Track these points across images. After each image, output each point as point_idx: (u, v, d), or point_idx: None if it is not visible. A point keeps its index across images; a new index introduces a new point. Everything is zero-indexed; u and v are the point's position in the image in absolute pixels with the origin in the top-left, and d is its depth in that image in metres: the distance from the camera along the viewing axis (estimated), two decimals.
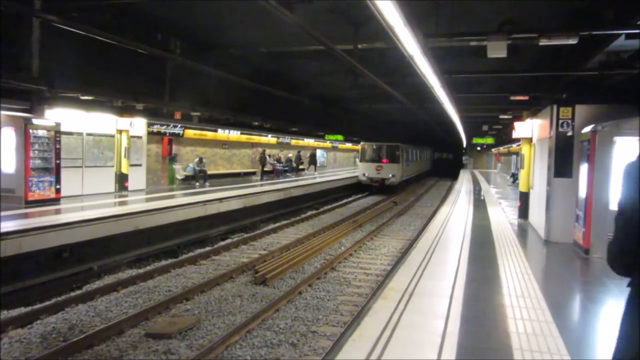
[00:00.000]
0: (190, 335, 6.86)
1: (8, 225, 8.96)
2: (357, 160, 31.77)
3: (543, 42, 7.45)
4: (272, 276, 9.57)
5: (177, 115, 17.65)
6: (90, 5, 9.38)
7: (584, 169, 9.23)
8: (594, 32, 7.63)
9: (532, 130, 13.67)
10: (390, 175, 27.75)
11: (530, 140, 13.91)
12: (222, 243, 13.15)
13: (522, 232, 11.95)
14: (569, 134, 9.93)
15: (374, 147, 29.32)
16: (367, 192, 28.04)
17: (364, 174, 28.30)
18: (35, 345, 6.47)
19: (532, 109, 14.00)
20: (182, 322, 7.23)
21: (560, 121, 9.95)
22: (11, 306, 7.88)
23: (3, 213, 10.40)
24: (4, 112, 11.82)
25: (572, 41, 7.41)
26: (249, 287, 9.18)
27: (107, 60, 10.83)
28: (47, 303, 8.05)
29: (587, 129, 9.05)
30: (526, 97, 13.91)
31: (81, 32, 8.72)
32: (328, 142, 38.77)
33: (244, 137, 25.74)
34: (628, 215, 1.97)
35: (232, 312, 7.83)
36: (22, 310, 7.72)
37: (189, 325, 7.14)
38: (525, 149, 14.23)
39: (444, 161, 62.52)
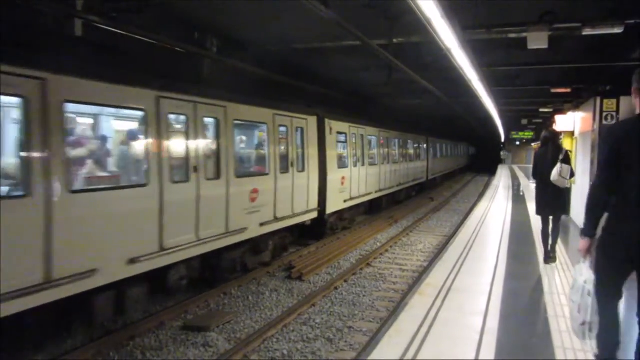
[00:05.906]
0: (227, 329, 6.96)
1: None
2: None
3: (587, 32, 7.23)
4: (308, 271, 9.62)
5: None
6: (131, 5, 9.57)
7: None
8: None
9: (574, 123, 13.27)
10: None
11: (572, 134, 13.52)
12: None
13: (564, 228, 11.58)
14: None
15: None
16: None
17: None
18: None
19: (574, 102, 13.58)
20: (220, 316, 7.35)
21: (604, 114, 9.62)
22: None
23: None
24: None
25: (618, 30, 7.16)
26: (286, 282, 9.25)
27: (145, 58, 11.04)
28: None
29: None
30: (568, 90, 13.49)
31: (121, 32, 8.91)
32: None
33: None
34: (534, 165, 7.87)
35: (269, 307, 7.91)
36: None
37: (227, 319, 7.25)
38: (566, 143, 13.82)
39: (480, 157, 61.26)
